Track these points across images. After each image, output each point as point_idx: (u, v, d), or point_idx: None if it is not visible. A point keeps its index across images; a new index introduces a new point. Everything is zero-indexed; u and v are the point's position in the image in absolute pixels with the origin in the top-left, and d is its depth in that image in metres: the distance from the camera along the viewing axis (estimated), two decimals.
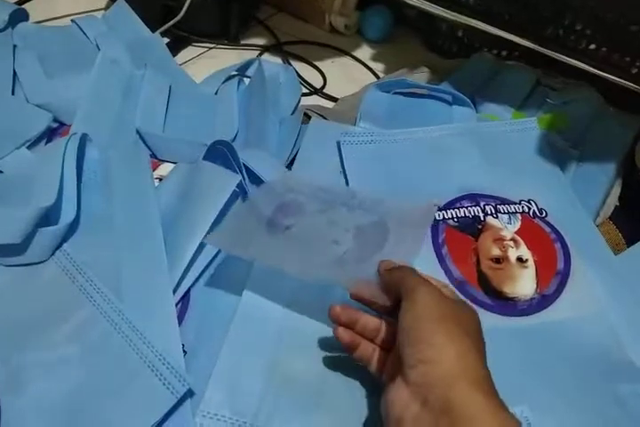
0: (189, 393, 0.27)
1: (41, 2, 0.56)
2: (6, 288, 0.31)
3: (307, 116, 0.44)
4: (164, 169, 0.41)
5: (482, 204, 0.36)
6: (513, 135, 0.39)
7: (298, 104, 0.50)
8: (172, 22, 0.53)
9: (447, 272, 0.32)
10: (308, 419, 0.27)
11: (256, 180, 0.36)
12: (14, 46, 0.47)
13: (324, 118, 0.43)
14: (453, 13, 0.56)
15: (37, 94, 0.43)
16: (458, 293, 0.29)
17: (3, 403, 0.26)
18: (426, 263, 0.32)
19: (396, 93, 0.46)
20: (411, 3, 0.57)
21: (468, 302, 0.29)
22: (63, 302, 0.31)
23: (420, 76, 0.51)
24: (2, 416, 0.26)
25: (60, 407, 0.27)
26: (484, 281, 0.33)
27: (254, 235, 0.32)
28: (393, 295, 0.27)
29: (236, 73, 0.51)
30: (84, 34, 0.51)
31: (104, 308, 0.30)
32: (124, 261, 0.33)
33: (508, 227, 0.34)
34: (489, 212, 0.35)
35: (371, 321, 0.28)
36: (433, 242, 0.33)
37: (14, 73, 0.45)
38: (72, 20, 0.52)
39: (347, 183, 0.36)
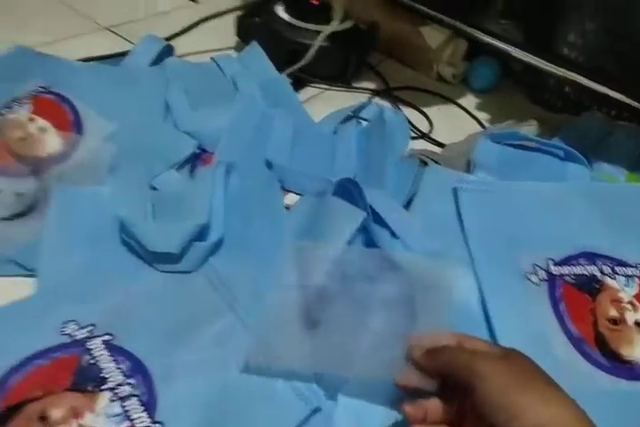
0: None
1: (181, 39, 0.65)
2: (161, 291, 0.37)
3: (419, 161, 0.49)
4: (290, 198, 0.47)
5: (599, 263, 0.38)
6: (633, 198, 0.42)
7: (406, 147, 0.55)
8: (298, 65, 0.60)
9: (565, 329, 0.35)
10: None
11: (377, 218, 0.41)
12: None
13: (437, 163, 0.48)
14: (561, 69, 0.60)
15: (184, 123, 0.51)
16: (574, 350, 0.31)
17: (159, 389, 0.32)
18: (543, 318, 0.34)
19: (505, 144, 0.50)
20: (519, 57, 0.62)
21: (584, 360, 0.31)
22: (208, 309, 0.36)
23: (529, 129, 0.55)
24: (159, 402, 0.31)
25: (206, 404, 0.31)
26: (601, 341, 0.35)
27: (295, 342, 0.34)
28: (438, 378, 0.29)
29: (351, 114, 0.58)
30: (221, 70, 0.60)
31: (243, 318, 0.35)
32: (258, 278, 0.38)
33: (625, 289, 0.37)
34: (606, 272, 0.37)
35: (432, 406, 0.29)
36: (550, 296, 0.36)
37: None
38: (211, 58, 0.61)
39: (462, 229, 0.40)
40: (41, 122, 0.47)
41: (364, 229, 0.41)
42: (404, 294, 0.35)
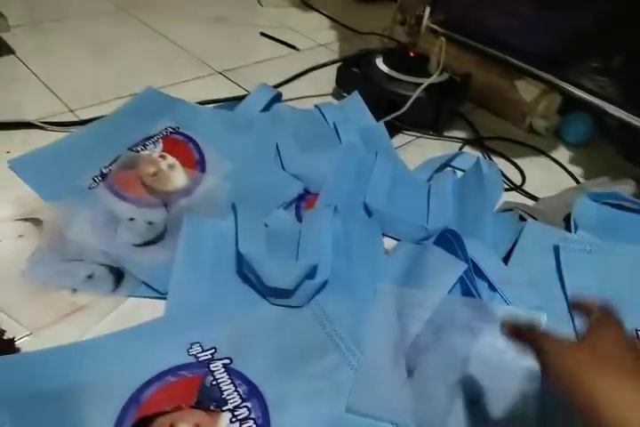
0: None
1: (288, 86, 0.72)
2: (274, 322, 0.41)
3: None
4: (386, 243, 0.50)
5: None
6: None
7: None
8: (395, 115, 0.65)
9: None
10: None
11: (476, 269, 0.43)
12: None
13: (534, 218, 0.49)
14: None
15: (292, 165, 0.56)
16: None
17: (272, 414, 0.35)
18: None
19: (604, 204, 0.51)
20: (614, 114, 0.63)
21: None
22: (315, 344, 0.39)
23: (625, 188, 0.56)
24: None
25: None
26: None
27: (393, 390, 0.35)
28: None
29: (445, 163, 0.61)
30: (324, 117, 0.65)
31: (347, 356, 0.38)
32: (359, 318, 0.41)
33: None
34: None
35: None
36: None
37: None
38: (315, 106, 0.66)
39: (562, 287, 0.41)
40: (170, 159, 0.54)
41: (461, 280, 0.43)
42: (496, 352, 0.36)
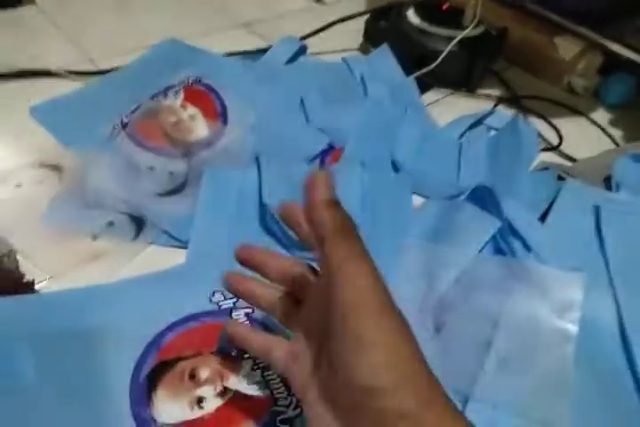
0: None
1: (310, 39, 0.69)
2: None
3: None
4: (414, 201, 0.48)
5: None
6: None
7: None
8: (425, 70, 0.62)
9: None
10: None
11: (511, 229, 0.41)
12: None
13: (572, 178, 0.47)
14: None
15: (317, 119, 0.54)
16: None
17: None
18: None
19: None
20: None
21: None
22: None
23: None
24: None
25: None
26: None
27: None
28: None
29: (478, 121, 0.58)
30: (350, 70, 0.63)
31: None
32: (386, 274, 0.40)
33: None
34: None
35: (276, 265, 0.27)
36: None
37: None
38: (342, 58, 0.64)
39: (601, 249, 0.40)
40: (191, 109, 0.52)
41: (493, 238, 0.41)
42: (528, 315, 0.35)
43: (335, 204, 0.22)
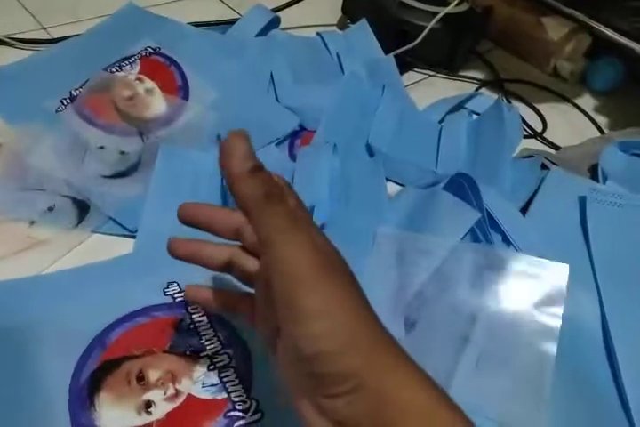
0: None
1: (283, 11, 0.66)
2: None
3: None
4: (389, 188, 0.46)
5: None
6: None
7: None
8: (406, 47, 0.59)
9: None
10: None
11: (490, 220, 0.40)
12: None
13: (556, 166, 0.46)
14: None
15: (287, 97, 0.51)
16: None
17: (255, 368, 0.32)
18: None
19: (633, 155, 0.47)
20: None
21: None
22: None
23: None
24: (255, 377, 0.32)
25: None
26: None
27: None
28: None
29: (457, 103, 0.56)
30: (326, 46, 0.60)
31: None
32: (356, 263, 0.38)
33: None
34: None
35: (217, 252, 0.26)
36: None
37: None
38: (317, 33, 0.61)
39: (586, 241, 0.38)
40: (149, 83, 0.49)
41: (471, 230, 0.40)
42: (509, 307, 0.34)
43: (253, 170, 0.21)
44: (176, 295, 0.34)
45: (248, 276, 0.25)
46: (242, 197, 0.21)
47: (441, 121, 0.54)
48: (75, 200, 0.39)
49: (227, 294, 0.28)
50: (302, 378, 0.21)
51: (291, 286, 0.20)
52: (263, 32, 0.59)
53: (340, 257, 0.22)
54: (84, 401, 0.29)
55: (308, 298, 0.20)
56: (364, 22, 0.61)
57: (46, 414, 0.29)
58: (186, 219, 0.26)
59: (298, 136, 0.50)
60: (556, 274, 0.34)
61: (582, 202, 0.40)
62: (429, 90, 0.61)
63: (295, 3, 0.66)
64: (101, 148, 0.43)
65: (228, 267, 0.26)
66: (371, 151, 0.49)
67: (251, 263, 0.25)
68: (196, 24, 0.59)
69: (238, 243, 0.25)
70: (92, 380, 0.30)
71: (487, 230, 0.37)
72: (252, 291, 0.26)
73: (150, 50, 0.51)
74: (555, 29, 0.65)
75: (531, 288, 0.34)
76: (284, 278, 0.20)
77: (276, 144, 0.48)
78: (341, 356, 0.19)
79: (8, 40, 0.53)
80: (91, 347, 0.31)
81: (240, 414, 0.30)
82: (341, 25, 0.68)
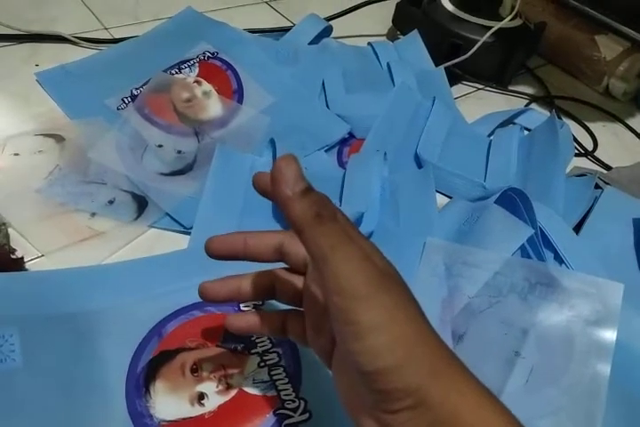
0: None
1: (338, 21, 0.68)
2: None
3: None
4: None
5: None
6: None
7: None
8: (457, 60, 0.61)
9: None
10: None
11: (543, 238, 0.40)
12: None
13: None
14: None
15: (338, 105, 0.53)
16: None
17: (304, 368, 0.33)
18: None
19: None
20: None
21: None
22: None
23: None
24: (303, 377, 0.33)
25: None
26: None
27: None
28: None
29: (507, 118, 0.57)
30: (377, 56, 0.62)
31: None
32: (404, 274, 0.39)
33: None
34: None
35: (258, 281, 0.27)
36: None
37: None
38: (369, 43, 0.63)
39: (639, 262, 0.39)
40: (206, 86, 0.51)
41: (521, 247, 0.40)
42: (561, 324, 0.34)
43: (304, 192, 0.22)
44: None
45: (292, 295, 0.27)
46: (294, 217, 0.22)
47: (489, 135, 0.55)
48: (134, 195, 0.42)
49: (271, 318, 0.29)
50: (362, 393, 0.21)
51: (349, 301, 0.20)
52: (315, 40, 0.61)
53: (394, 270, 0.23)
54: (140, 389, 0.31)
55: (367, 313, 0.20)
56: (415, 33, 0.63)
57: (103, 402, 0.30)
58: (217, 253, 0.27)
59: (347, 144, 0.51)
60: (610, 293, 0.34)
61: (637, 223, 0.40)
62: (478, 103, 0.62)
63: (347, 13, 0.68)
64: (160, 146, 0.46)
65: (270, 292, 0.28)
66: (419, 162, 0.50)
67: (296, 281, 0.26)
68: (251, 31, 0.62)
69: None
70: (149, 368, 0.32)
71: (540, 247, 0.38)
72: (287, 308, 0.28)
73: (208, 54, 0.54)
74: (609, 48, 0.66)
75: (584, 306, 0.34)
76: (341, 295, 0.20)
77: (326, 151, 0.50)
78: (403, 370, 0.20)
79: (73, 39, 0.56)
80: (148, 336, 0.33)
81: (289, 412, 0.31)
82: (391, 36, 0.70)
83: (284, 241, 0.27)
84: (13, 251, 0.38)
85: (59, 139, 0.45)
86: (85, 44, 0.57)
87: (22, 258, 0.37)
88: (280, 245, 0.27)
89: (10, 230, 0.39)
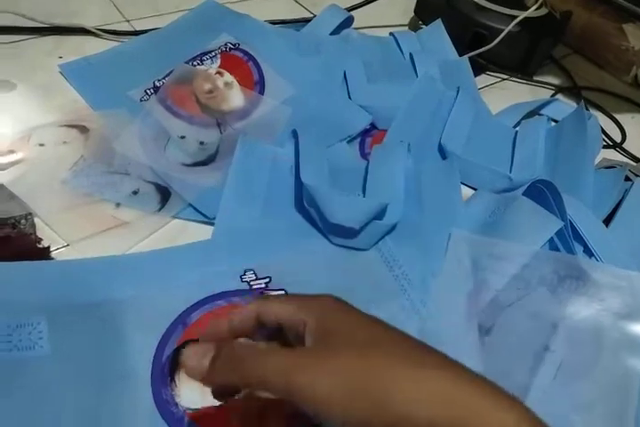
0: None
1: (359, 11, 0.67)
2: (330, 259, 0.39)
3: None
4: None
5: None
6: None
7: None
8: (482, 50, 0.60)
9: None
10: None
11: (573, 230, 0.39)
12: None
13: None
14: None
15: (360, 96, 0.52)
16: None
17: None
18: None
19: None
20: None
21: None
22: (382, 288, 0.38)
23: None
24: None
25: None
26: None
27: (465, 346, 0.33)
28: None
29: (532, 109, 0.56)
30: (399, 46, 0.61)
31: (416, 304, 0.36)
32: (430, 266, 0.39)
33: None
34: None
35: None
36: None
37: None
38: (391, 33, 0.62)
39: None
40: (228, 77, 0.51)
41: (550, 240, 0.39)
42: (591, 317, 0.34)
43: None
44: (252, 282, 0.36)
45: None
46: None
47: (515, 126, 0.54)
48: (158, 186, 0.42)
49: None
50: None
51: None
52: (336, 31, 0.60)
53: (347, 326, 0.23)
54: (166, 377, 0.31)
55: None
56: (438, 23, 0.62)
57: (129, 390, 0.31)
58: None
59: (369, 135, 0.51)
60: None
61: None
62: (502, 93, 0.61)
63: (368, 3, 0.67)
64: (182, 137, 0.46)
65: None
66: (443, 153, 0.49)
67: None
68: (272, 22, 0.61)
69: None
70: (174, 357, 0.32)
71: (570, 240, 0.37)
72: None
73: (230, 45, 0.53)
74: (637, 37, 0.64)
75: (614, 299, 0.33)
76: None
77: (348, 142, 0.49)
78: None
79: (95, 31, 0.56)
80: (173, 326, 0.33)
81: None
82: (413, 26, 0.69)
83: (259, 310, 0.26)
84: (40, 240, 0.38)
85: (83, 129, 0.45)
86: (107, 36, 0.57)
87: (48, 247, 0.38)
88: (258, 314, 0.26)
89: (36, 220, 0.39)
